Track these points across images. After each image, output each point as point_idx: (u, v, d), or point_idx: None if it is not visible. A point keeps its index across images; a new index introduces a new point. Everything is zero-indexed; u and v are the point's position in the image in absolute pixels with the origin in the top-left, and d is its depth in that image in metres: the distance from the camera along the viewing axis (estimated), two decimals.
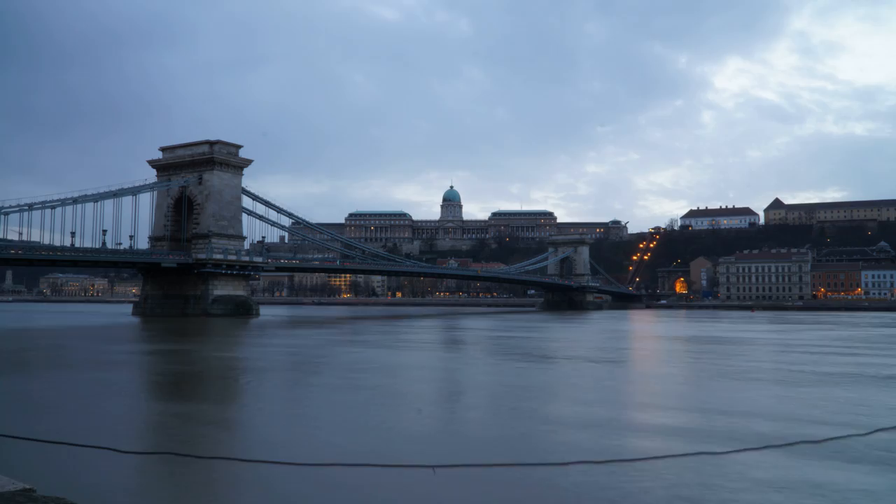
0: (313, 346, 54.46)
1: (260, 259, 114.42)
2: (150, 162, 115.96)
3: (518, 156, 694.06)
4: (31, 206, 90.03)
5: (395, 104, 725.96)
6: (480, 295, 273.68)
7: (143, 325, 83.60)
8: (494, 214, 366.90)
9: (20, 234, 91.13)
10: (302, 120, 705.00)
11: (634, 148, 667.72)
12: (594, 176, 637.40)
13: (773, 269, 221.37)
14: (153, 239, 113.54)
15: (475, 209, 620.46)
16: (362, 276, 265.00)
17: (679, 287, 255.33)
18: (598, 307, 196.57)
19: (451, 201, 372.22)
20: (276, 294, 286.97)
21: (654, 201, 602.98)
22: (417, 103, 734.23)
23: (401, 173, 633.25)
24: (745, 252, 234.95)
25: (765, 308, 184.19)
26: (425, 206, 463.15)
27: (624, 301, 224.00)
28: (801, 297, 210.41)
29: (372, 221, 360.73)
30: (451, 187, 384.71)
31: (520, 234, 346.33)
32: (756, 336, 69.14)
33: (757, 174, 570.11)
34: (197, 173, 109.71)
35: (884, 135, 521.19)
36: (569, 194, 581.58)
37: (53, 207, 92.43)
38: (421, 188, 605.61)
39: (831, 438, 15.71)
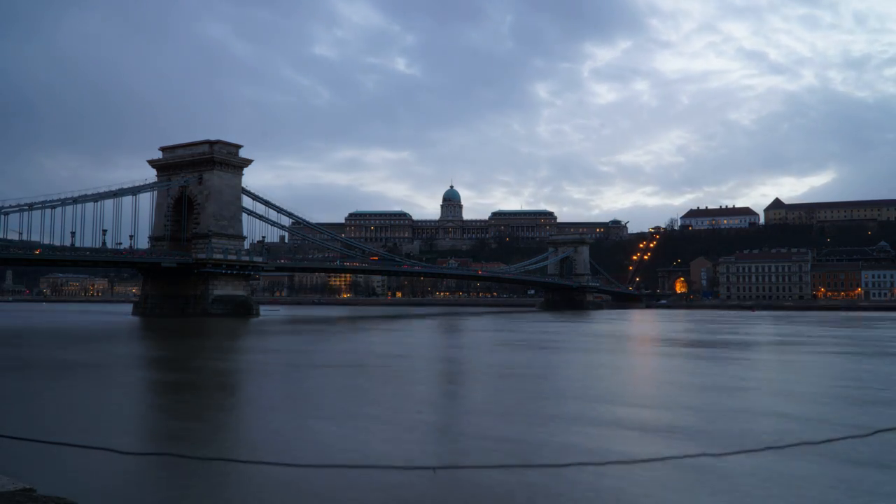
0: (314, 346, 54.46)
1: (260, 259, 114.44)
2: (150, 162, 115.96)
3: (442, 127, 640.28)
4: (31, 206, 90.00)
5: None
6: (480, 295, 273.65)
7: (143, 325, 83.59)
8: (494, 214, 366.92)
9: (20, 234, 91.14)
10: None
11: (584, 115, 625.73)
12: (543, 160, 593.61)
13: (773, 269, 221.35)
14: (153, 239, 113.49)
15: (430, 207, 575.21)
16: (362, 275, 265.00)
17: (679, 287, 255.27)
18: (598, 307, 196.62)
19: (451, 201, 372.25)
20: (277, 294, 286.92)
21: (618, 192, 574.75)
22: (291, 55, 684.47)
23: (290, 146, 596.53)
24: (745, 252, 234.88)
25: (764, 308, 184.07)
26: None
27: (624, 301, 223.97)
28: (801, 297, 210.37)
29: (372, 221, 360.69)
30: (451, 187, 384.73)
31: (520, 234, 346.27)
32: (764, 339, 69.10)
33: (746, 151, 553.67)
34: (197, 173, 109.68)
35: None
36: (516, 188, 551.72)
37: (53, 207, 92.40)
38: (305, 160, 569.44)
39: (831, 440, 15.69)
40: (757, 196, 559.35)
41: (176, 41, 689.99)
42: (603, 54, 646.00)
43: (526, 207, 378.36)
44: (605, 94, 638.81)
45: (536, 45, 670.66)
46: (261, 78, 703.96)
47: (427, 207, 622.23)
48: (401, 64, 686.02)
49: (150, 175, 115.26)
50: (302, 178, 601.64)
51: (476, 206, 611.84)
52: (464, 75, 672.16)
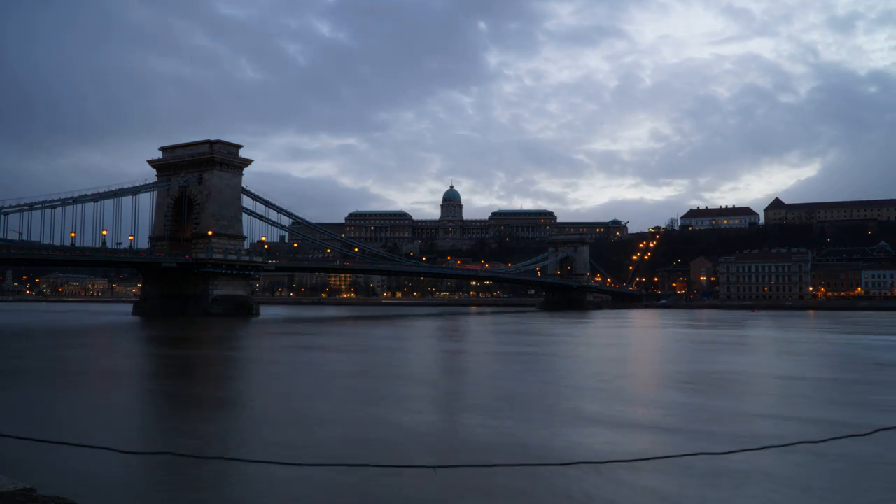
0: (314, 345, 54.44)
1: (260, 259, 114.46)
2: (150, 162, 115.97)
3: (389, 106, 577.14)
4: (31, 206, 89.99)
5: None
6: (481, 295, 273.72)
7: (143, 325, 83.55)
8: (494, 214, 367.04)
9: (20, 234, 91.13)
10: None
11: (542, 96, 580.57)
12: (507, 149, 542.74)
13: (773, 269, 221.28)
14: (153, 239, 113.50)
15: (401, 201, 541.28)
16: (362, 275, 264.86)
17: (679, 287, 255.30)
18: (598, 307, 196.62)
19: (451, 201, 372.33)
20: (278, 293, 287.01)
21: (597, 184, 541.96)
22: (196, 16, 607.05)
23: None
24: (745, 252, 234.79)
25: (764, 308, 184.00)
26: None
27: (624, 301, 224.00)
28: (800, 297, 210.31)
29: (372, 221, 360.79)
30: (452, 187, 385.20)
31: (520, 234, 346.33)
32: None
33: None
34: (197, 173, 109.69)
35: None
36: (485, 180, 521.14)
37: (53, 207, 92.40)
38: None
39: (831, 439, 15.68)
40: (743, 188, 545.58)
41: (62, 5, 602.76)
42: (558, 9, 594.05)
43: (526, 207, 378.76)
44: (563, 61, 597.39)
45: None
46: (169, 46, 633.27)
47: (398, 202, 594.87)
48: (324, 28, 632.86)
49: (151, 175, 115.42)
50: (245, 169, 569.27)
51: (468, 204, 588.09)
52: (400, 40, 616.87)
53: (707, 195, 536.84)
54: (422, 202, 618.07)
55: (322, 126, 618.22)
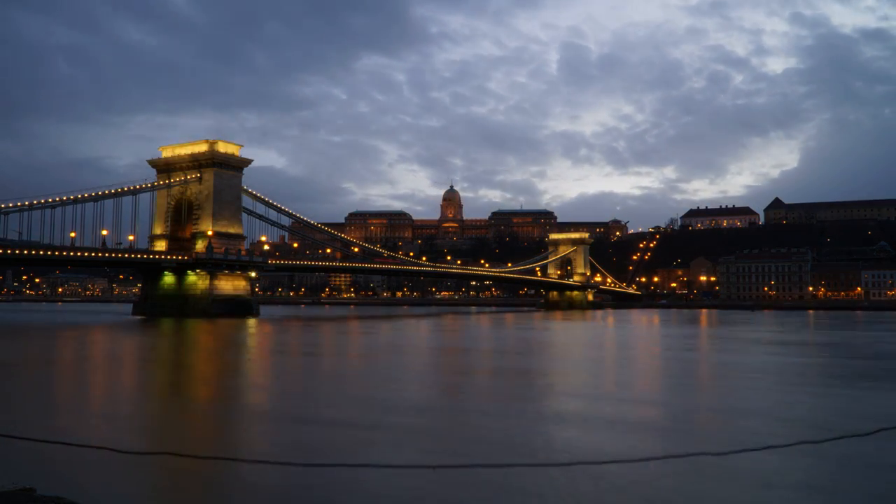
0: (316, 346, 54.45)
1: (260, 258, 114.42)
2: (150, 161, 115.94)
3: (310, 72, 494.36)
4: (31, 206, 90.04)
5: None
6: (481, 295, 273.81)
7: (143, 324, 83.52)
8: (494, 214, 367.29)
9: (20, 234, 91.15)
10: None
11: (483, 62, 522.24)
12: (456, 132, 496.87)
13: (773, 269, 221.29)
14: (153, 238, 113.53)
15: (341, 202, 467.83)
16: (362, 275, 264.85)
17: (679, 287, 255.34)
18: (598, 307, 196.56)
19: (451, 201, 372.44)
20: (278, 291, 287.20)
21: (565, 174, 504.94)
22: None
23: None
24: (745, 252, 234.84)
25: (764, 308, 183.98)
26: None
27: (624, 301, 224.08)
28: (800, 297, 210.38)
29: (372, 221, 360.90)
30: (452, 187, 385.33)
31: (520, 234, 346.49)
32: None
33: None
34: (197, 173, 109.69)
35: None
36: (441, 170, 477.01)
37: (53, 207, 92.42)
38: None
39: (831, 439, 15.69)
40: (728, 178, 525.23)
41: None
42: None
43: (526, 207, 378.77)
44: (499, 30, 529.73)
45: None
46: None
47: (358, 195, 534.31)
48: None
49: (150, 175, 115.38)
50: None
51: (430, 197, 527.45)
52: None
53: (685, 186, 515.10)
54: (383, 195, 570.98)
55: (242, 103, 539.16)
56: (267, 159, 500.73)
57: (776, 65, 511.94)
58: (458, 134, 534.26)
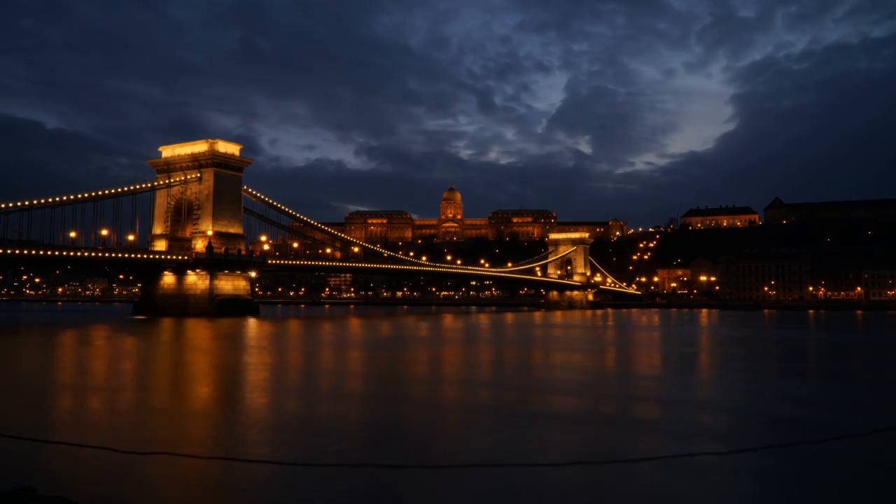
0: (316, 346, 54.45)
1: (259, 258, 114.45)
2: (150, 162, 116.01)
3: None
4: (31, 206, 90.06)
5: None
6: (482, 294, 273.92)
7: (143, 324, 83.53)
8: (495, 214, 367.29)
9: (20, 234, 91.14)
10: None
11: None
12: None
13: (772, 269, 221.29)
14: (153, 238, 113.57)
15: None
16: (362, 275, 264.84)
17: (679, 287, 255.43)
18: (598, 306, 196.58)
19: (451, 201, 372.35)
20: (279, 290, 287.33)
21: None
22: None
23: None
24: (745, 252, 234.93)
25: (764, 308, 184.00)
26: None
27: (624, 300, 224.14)
28: (800, 297, 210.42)
29: (372, 221, 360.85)
30: (452, 187, 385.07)
31: (520, 234, 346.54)
32: None
33: None
34: (197, 173, 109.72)
35: None
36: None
37: (53, 207, 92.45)
38: None
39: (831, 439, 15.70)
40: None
41: None
42: None
43: (526, 206, 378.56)
44: None
45: None
46: None
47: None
48: None
49: (151, 175, 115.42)
50: None
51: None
52: None
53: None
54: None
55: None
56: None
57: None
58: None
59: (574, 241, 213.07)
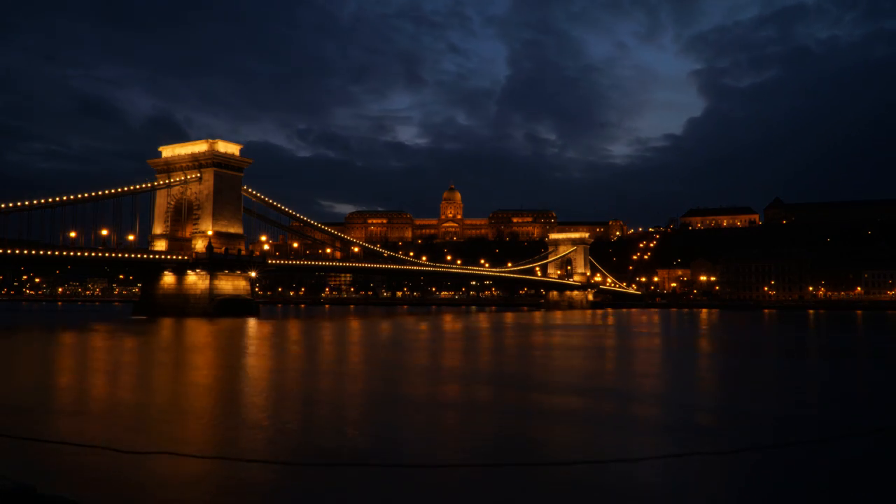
0: (316, 346, 54.45)
1: (259, 258, 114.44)
2: (150, 162, 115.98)
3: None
4: (31, 206, 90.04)
5: None
6: (481, 294, 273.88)
7: (143, 324, 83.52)
8: (495, 214, 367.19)
9: (20, 233, 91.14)
10: None
11: None
12: None
13: (772, 269, 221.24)
14: (153, 238, 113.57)
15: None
16: (363, 275, 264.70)
17: (679, 287, 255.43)
18: (598, 306, 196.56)
19: (451, 200, 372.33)
20: (279, 290, 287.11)
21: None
22: None
23: None
24: (745, 252, 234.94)
25: (764, 308, 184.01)
26: None
27: (624, 300, 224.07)
28: (800, 297, 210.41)
29: (372, 221, 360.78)
30: (452, 187, 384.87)
31: (520, 233, 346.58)
32: None
33: None
34: (197, 173, 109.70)
35: None
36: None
37: (53, 207, 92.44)
38: None
39: (831, 438, 15.71)
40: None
41: None
42: None
43: (527, 206, 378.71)
44: None
45: None
46: None
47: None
48: None
49: (151, 175, 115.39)
50: None
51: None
52: None
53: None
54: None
55: None
56: None
57: None
58: None
59: (574, 241, 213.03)
